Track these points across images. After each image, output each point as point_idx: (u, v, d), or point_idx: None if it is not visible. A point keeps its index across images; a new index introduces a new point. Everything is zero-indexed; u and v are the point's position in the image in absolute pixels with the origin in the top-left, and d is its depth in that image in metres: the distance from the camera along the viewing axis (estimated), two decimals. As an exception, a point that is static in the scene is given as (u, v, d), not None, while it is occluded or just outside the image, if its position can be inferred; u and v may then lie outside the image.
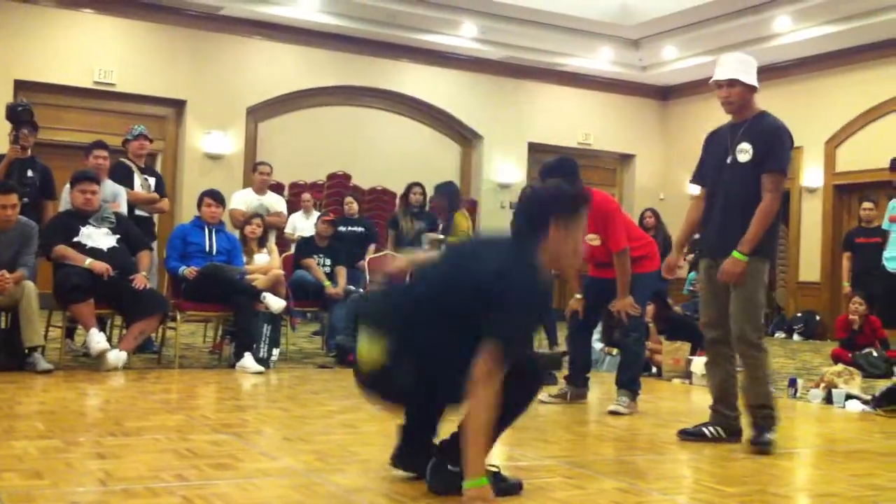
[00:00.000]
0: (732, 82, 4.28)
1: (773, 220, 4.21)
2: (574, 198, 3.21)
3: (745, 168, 4.24)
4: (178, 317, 6.78)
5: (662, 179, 15.63)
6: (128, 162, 7.54)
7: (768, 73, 13.33)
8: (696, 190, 4.77)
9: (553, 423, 4.98)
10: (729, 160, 4.30)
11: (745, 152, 4.24)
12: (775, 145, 4.23)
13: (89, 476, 3.20)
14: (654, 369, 7.28)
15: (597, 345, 7.21)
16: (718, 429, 4.40)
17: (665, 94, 15.66)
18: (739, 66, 4.29)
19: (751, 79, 4.28)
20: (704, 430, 4.41)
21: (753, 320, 4.25)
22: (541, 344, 8.29)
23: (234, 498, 2.95)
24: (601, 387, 6.09)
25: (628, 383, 5.32)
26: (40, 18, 11.56)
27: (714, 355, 4.50)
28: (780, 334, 13.10)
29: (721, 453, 4.15)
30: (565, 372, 5.88)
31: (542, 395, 5.66)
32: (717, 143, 4.43)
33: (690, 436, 4.41)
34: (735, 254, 4.14)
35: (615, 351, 7.12)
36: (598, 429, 4.97)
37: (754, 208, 4.16)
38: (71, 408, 4.78)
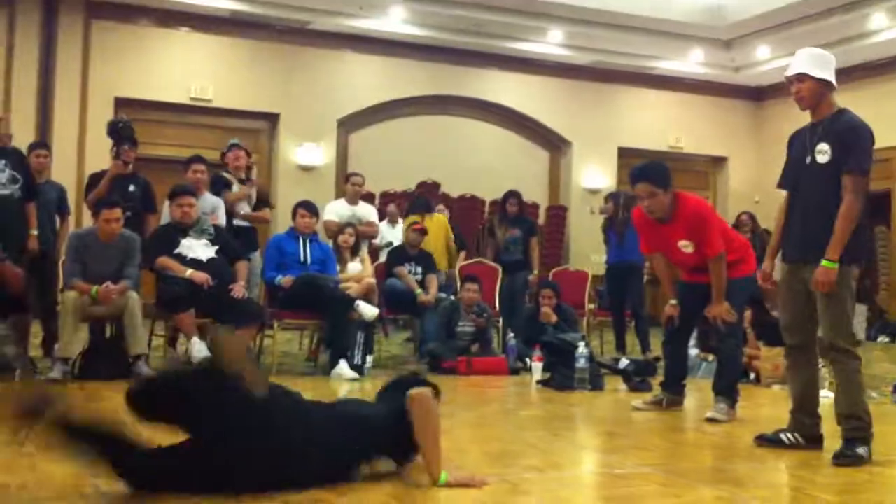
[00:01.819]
0: (802, 77, 4.14)
1: (856, 222, 4.04)
2: None
3: (825, 169, 4.09)
4: (275, 325, 6.93)
5: (757, 182, 15.28)
6: (225, 174, 7.72)
7: (863, 71, 12.99)
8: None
9: (648, 431, 4.92)
10: (808, 161, 4.16)
11: (823, 153, 4.10)
12: (854, 145, 4.05)
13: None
14: (752, 376, 7.13)
15: (692, 351, 7.09)
16: (797, 435, 4.27)
17: (759, 95, 15.33)
18: (810, 61, 4.16)
19: (824, 73, 4.12)
20: (783, 436, 4.29)
21: (844, 327, 4.09)
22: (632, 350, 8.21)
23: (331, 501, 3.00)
24: (697, 394, 5.99)
25: (726, 390, 5.21)
26: (139, 38, 11.96)
27: (794, 360, 4.37)
28: (883, 339, 12.66)
29: (825, 462, 4.04)
30: (660, 378, 5.81)
31: (637, 401, 5.62)
32: (798, 144, 4.30)
33: (768, 441, 4.30)
34: (825, 262, 3.99)
35: (711, 357, 7.01)
36: (695, 436, 4.90)
37: (834, 211, 4.01)
38: (174, 414, 4.90)
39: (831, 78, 4.15)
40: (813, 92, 4.15)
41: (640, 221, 5.37)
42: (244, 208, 7.62)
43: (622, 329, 8.77)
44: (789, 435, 4.29)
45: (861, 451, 3.95)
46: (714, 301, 5.16)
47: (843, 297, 4.06)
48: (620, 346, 8.65)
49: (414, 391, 3.36)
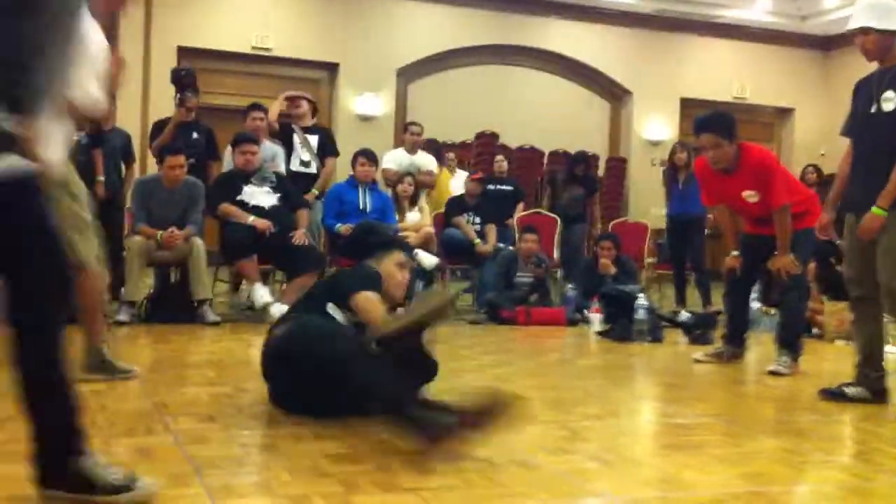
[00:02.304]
0: (866, 30, 4.03)
1: None
2: None
3: (891, 117, 3.98)
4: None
5: (824, 134, 14.90)
6: (292, 125, 7.72)
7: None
8: None
9: (709, 383, 4.89)
10: (873, 109, 4.05)
11: (890, 101, 3.98)
12: None
13: (258, 419, 3.36)
14: (815, 330, 7.03)
15: (755, 304, 7.00)
16: (862, 389, 4.20)
17: (826, 45, 14.91)
18: (871, 12, 4.03)
19: (887, 24, 3.99)
20: (846, 389, 4.22)
21: None
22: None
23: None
24: (759, 348, 5.93)
25: (789, 343, 5.14)
26: (200, -13, 12.01)
27: (860, 313, 4.29)
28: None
29: (890, 416, 3.98)
30: (722, 332, 5.76)
31: (698, 353, 5.58)
32: (864, 92, 4.18)
33: (832, 395, 4.23)
34: (874, 209, 3.92)
35: (774, 311, 6.92)
36: (756, 389, 4.86)
37: (891, 160, 3.90)
38: (238, 357, 5.02)
39: (895, 26, 4.02)
40: (879, 44, 4.04)
41: (703, 172, 5.29)
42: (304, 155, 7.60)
43: (683, 283, 8.69)
44: (854, 388, 4.22)
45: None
46: (779, 253, 5.07)
47: (894, 242, 3.95)
48: (681, 300, 8.58)
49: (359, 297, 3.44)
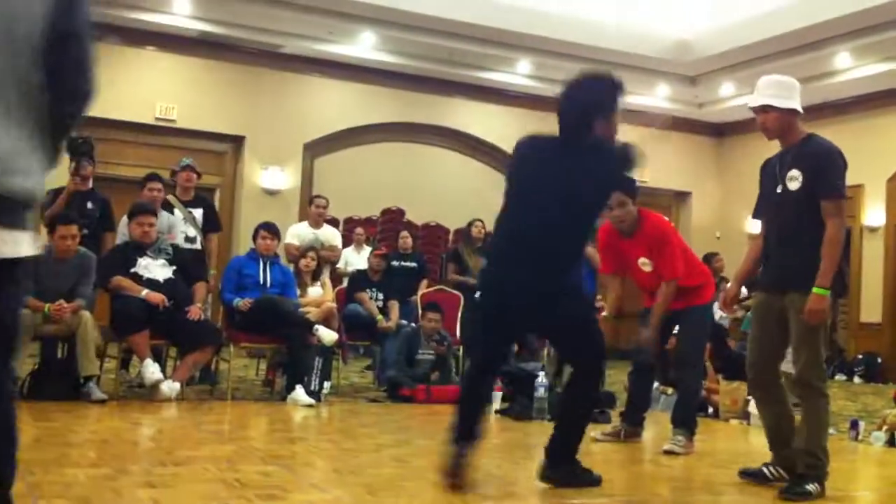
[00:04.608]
0: (767, 108, 4.08)
1: (842, 247, 3.97)
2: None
3: (797, 196, 4.01)
4: (232, 348, 6.82)
5: (719, 217, 15.43)
6: (169, 197, 7.52)
7: (828, 110, 13.17)
8: (755, 227, 4.53)
9: (607, 462, 4.87)
10: (779, 189, 4.09)
11: (794, 179, 4.02)
12: (828, 169, 3.99)
13: (138, 504, 3.20)
14: (710, 409, 7.12)
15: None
16: (780, 469, 4.19)
17: (721, 131, 15.51)
18: (773, 90, 4.09)
19: (788, 102, 4.05)
20: (765, 470, 4.22)
21: (819, 364, 4.02)
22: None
23: None
24: (656, 426, 5.96)
25: (684, 422, 5.17)
26: (104, 55, 11.61)
27: (761, 396, 4.28)
28: (840, 376, 12.76)
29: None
30: (621, 409, 5.77)
31: (596, 432, 5.57)
32: (769, 173, 4.23)
33: (751, 476, 4.24)
34: (817, 290, 3.85)
35: (670, 390, 6.99)
36: (653, 468, 4.86)
37: (808, 238, 3.93)
38: (123, 437, 4.81)
39: (796, 105, 4.08)
40: (779, 122, 4.07)
41: (606, 237, 5.31)
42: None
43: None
44: (772, 469, 4.20)
45: (810, 487, 3.88)
46: (650, 324, 5.08)
47: (818, 331, 3.98)
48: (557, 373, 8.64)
49: None
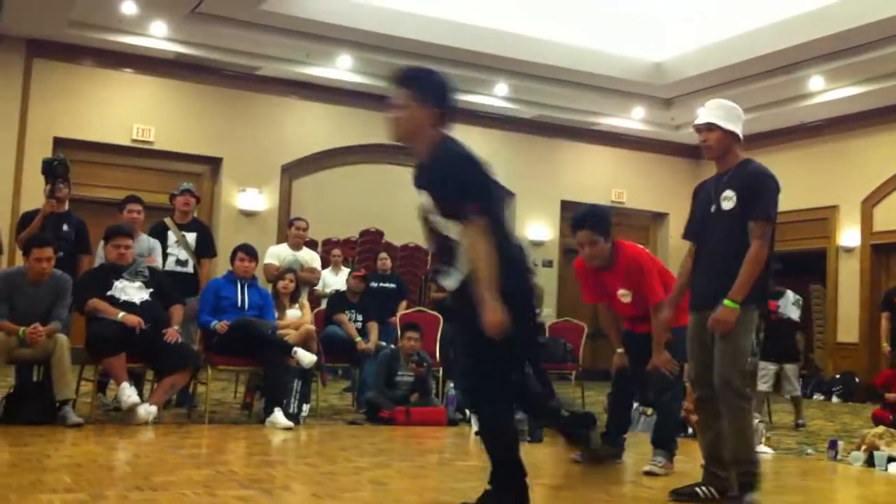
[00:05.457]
0: (710, 126, 4.19)
1: (762, 266, 4.04)
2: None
3: (730, 215, 4.12)
4: (209, 371, 6.76)
5: (696, 238, 15.51)
6: (167, 220, 7.56)
7: (803, 132, 13.35)
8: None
9: (587, 484, 4.87)
10: (713, 209, 4.20)
11: (728, 199, 4.13)
12: (761, 191, 4.09)
13: (115, 530, 3.15)
14: (690, 430, 7.11)
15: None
16: (712, 489, 4.22)
17: (698, 153, 15.60)
18: (719, 112, 4.22)
19: (731, 125, 4.18)
20: (697, 489, 4.25)
21: (739, 367, 4.07)
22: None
23: None
24: (636, 447, 5.96)
25: (664, 443, 5.18)
26: (80, 78, 11.81)
27: (704, 413, 4.31)
28: (818, 396, 12.84)
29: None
30: (602, 430, 5.76)
31: (576, 454, 5.55)
32: (704, 195, 4.33)
33: (683, 496, 4.25)
34: (727, 302, 3.97)
35: (650, 411, 6.99)
36: (633, 489, 4.85)
37: (740, 256, 4.01)
38: (99, 462, 4.74)
39: (738, 130, 4.22)
40: (720, 142, 4.19)
41: (581, 270, 5.37)
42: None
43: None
44: (704, 488, 4.24)
45: (749, 498, 3.92)
46: (654, 351, 5.13)
47: (739, 336, 4.04)
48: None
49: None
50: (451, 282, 3.47)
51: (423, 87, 3.60)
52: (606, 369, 5.79)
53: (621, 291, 5.15)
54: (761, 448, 6.46)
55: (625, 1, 11.81)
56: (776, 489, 4.74)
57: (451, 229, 3.45)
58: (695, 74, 12.94)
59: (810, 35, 11.16)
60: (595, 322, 6.71)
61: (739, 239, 4.05)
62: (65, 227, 6.89)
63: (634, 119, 14.49)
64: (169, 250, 7.36)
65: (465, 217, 3.35)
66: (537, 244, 14.28)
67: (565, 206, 14.58)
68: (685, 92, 13.72)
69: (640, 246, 5.61)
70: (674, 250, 15.37)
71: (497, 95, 13.55)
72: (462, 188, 3.39)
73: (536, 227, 14.45)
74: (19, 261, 8.17)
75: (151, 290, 6.48)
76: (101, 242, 6.78)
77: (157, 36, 11.64)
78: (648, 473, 5.01)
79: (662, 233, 15.83)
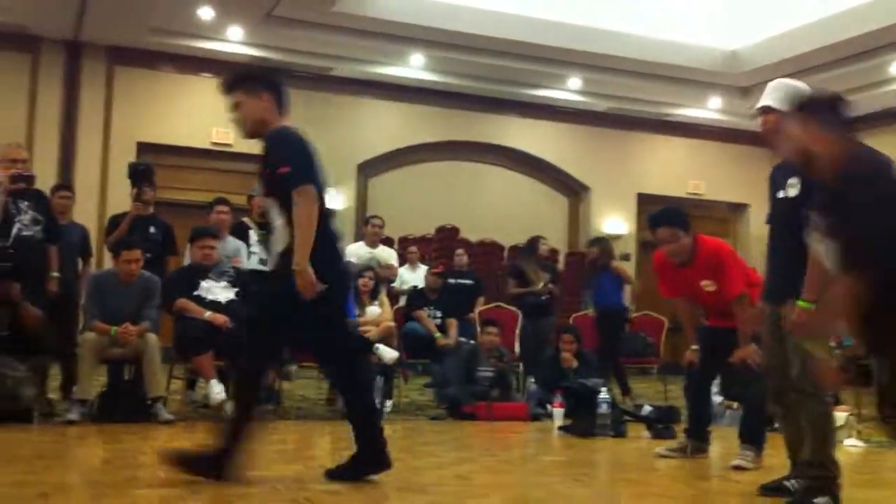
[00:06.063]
0: (767, 109, 4.04)
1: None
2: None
3: (794, 203, 3.88)
4: (294, 368, 6.87)
5: (777, 229, 15.19)
6: (246, 220, 7.70)
7: (884, 118, 12.95)
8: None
9: (673, 479, 4.82)
10: (781, 195, 4.02)
11: (793, 187, 3.94)
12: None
13: (212, 523, 3.24)
14: (777, 424, 6.98)
15: (717, 398, 6.96)
16: (801, 482, 3.99)
17: (777, 142, 15.31)
18: (776, 94, 4.02)
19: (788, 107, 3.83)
20: (787, 483, 4.07)
21: (809, 369, 3.78)
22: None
23: None
24: (723, 442, 5.88)
25: (752, 437, 5.10)
26: (160, 83, 12.10)
27: (781, 406, 4.11)
28: None
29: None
30: (684, 425, 5.71)
31: (661, 448, 5.52)
32: (776, 180, 4.13)
33: (772, 491, 4.09)
34: (800, 302, 3.68)
35: (735, 404, 6.89)
36: (720, 484, 4.79)
37: (801, 248, 3.63)
38: (192, 457, 4.85)
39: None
40: (777, 126, 3.88)
41: (661, 265, 5.31)
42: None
43: (621, 372, 8.73)
44: (794, 482, 4.03)
45: (819, 501, 3.68)
46: (740, 344, 5.06)
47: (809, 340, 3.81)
48: (625, 390, 8.58)
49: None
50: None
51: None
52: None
53: (705, 282, 5.09)
54: (851, 441, 6.33)
55: (699, -11, 11.65)
56: (867, 483, 4.65)
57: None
58: (771, 62, 12.66)
59: (889, 20, 10.85)
60: (675, 317, 6.64)
61: (800, 230, 3.72)
62: (151, 230, 7.08)
63: (710, 109, 14.24)
64: (252, 249, 7.49)
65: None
66: (614, 238, 14.12)
67: (642, 199, 14.42)
68: (763, 80, 13.32)
69: (723, 241, 5.55)
70: (756, 241, 15.08)
71: (570, 89, 13.47)
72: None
73: (613, 221, 14.33)
74: (107, 263, 8.44)
75: (237, 289, 6.61)
76: (188, 246, 6.95)
77: (233, 40, 11.85)
78: (736, 468, 4.94)
79: (743, 224, 15.54)
